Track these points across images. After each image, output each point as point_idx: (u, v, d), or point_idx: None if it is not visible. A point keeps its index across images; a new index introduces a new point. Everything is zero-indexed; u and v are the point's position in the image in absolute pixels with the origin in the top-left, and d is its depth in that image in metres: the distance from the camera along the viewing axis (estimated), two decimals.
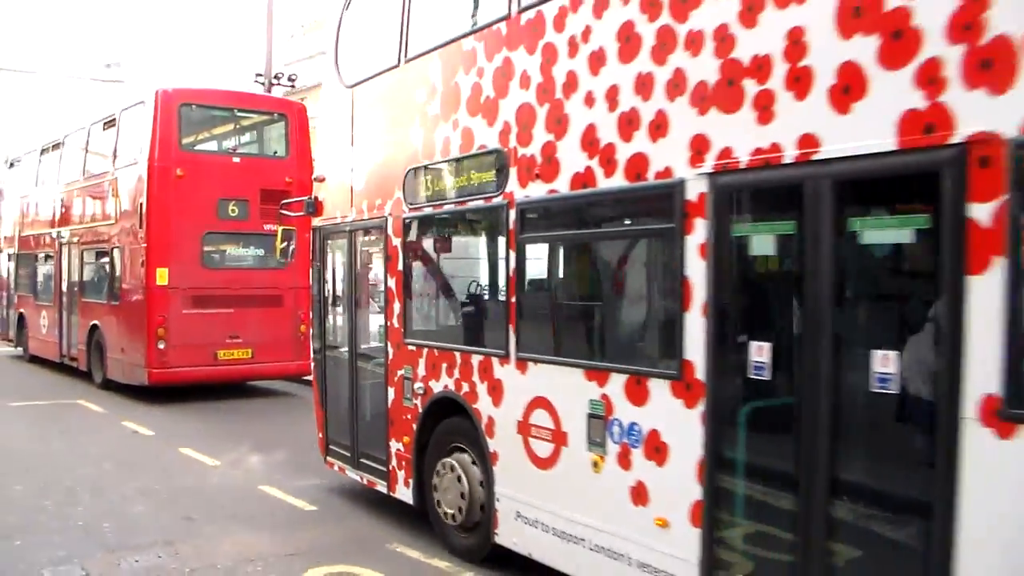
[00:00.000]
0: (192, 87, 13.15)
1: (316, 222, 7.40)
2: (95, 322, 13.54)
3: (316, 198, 7.36)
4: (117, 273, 12.91)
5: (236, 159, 12.77)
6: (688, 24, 4.18)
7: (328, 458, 7.42)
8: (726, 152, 3.94)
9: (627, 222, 4.87)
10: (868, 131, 3.37)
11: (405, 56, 6.26)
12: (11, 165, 18.68)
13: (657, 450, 4.29)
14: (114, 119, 13.42)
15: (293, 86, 18.04)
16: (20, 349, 17.54)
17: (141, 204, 12.18)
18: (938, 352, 3.16)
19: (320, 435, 7.54)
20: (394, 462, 6.43)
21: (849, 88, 3.47)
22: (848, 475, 3.52)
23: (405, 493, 6.34)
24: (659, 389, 4.25)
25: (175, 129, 12.15)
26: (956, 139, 3.13)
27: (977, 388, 3.06)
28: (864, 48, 3.43)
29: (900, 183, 3.40)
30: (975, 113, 3.09)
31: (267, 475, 8.16)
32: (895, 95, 3.30)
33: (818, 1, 3.60)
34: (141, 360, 12.11)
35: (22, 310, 17.38)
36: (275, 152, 13.14)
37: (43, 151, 16.61)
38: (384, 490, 6.59)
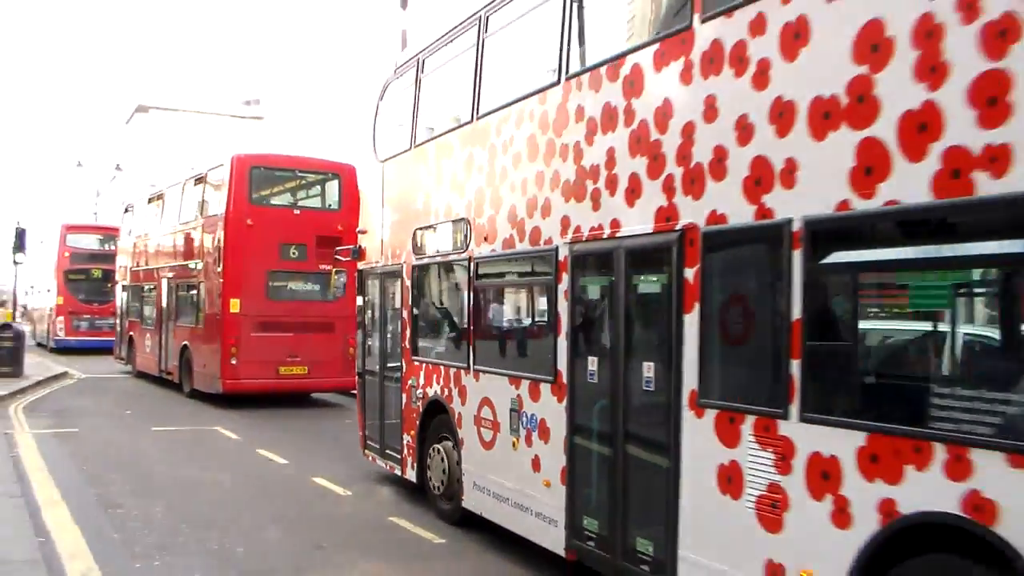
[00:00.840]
0: (263, 153, 16.34)
1: (360, 265, 9.65)
2: (185, 342, 17.00)
3: (360, 246, 9.60)
4: (202, 303, 16.19)
5: (296, 211, 15.85)
6: (561, 139, 6.23)
7: (365, 451, 9.71)
8: (578, 229, 5.97)
9: (531, 274, 6.88)
10: (642, 219, 5.32)
11: (414, 142, 8.49)
12: (126, 210, 22.98)
13: (545, 432, 6.30)
14: (203, 176, 16.79)
15: None
16: (129, 366, 21.55)
17: (219, 247, 15.42)
18: (670, 362, 5.05)
19: (360, 433, 9.83)
20: (405, 451, 8.62)
21: (634, 190, 5.43)
22: (632, 443, 5.43)
23: (411, 474, 8.55)
24: (545, 390, 6.27)
25: (247, 187, 15.24)
26: (678, 227, 5.04)
27: (687, 385, 4.93)
28: (641, 165, 5.36)
29: (655, 253, 5.30)
30: (688, 210, 4.99)
31: (396, 505, 8.50)
32: (654, 196, 5.24)
33: (622, 132, 5.57)
34: (217, 373, 15.20)
35: (131, 333, 21.28)
36: (329, 205, 15.99)
37: (149, 200, 20.52)
38: (399, 472, 8.81)
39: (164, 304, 18.66)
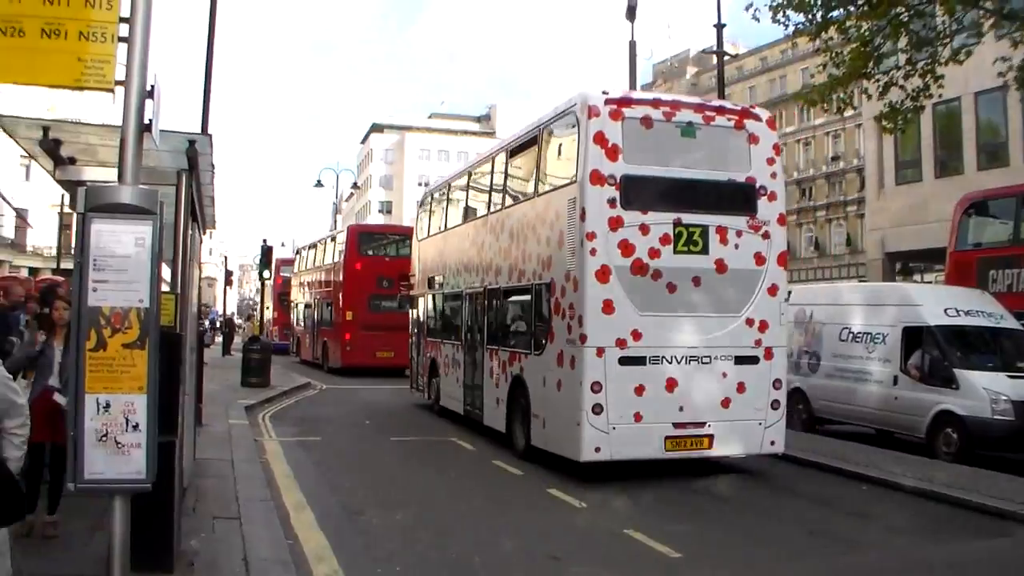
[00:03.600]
0: (369, 223, 29.91)
1: (411, 292, 18.06)
2: (325, 339, 28.81)
3: (411, 283, 18.12)
4: (332, 315, 27.74)
5: (387, 258, 26.20)
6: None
7: (412, 388, 17.80)
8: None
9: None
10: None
11: (426, 235, 17.13)
12: (297, 252, 34.59)
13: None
14: (334, 237, 29.16)
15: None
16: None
17: (340, 280, 26.69)
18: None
19: (410, 383, 18.09)
20: (424, 383, 16.80)
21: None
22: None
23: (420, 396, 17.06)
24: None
25: (356, 246, 26.50)
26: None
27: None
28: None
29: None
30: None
31: (632, 519, 8.44)
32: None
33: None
34: (339, 353, 26.30)
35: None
36: (406, 254, 22.74)
37: (310, 247, 32.86)
38: (415, 391, 17.48)
39: (313, 320, 30.59)
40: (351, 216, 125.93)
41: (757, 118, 10.76)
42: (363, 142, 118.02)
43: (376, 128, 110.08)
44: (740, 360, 10.35)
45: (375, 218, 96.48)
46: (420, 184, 64.79)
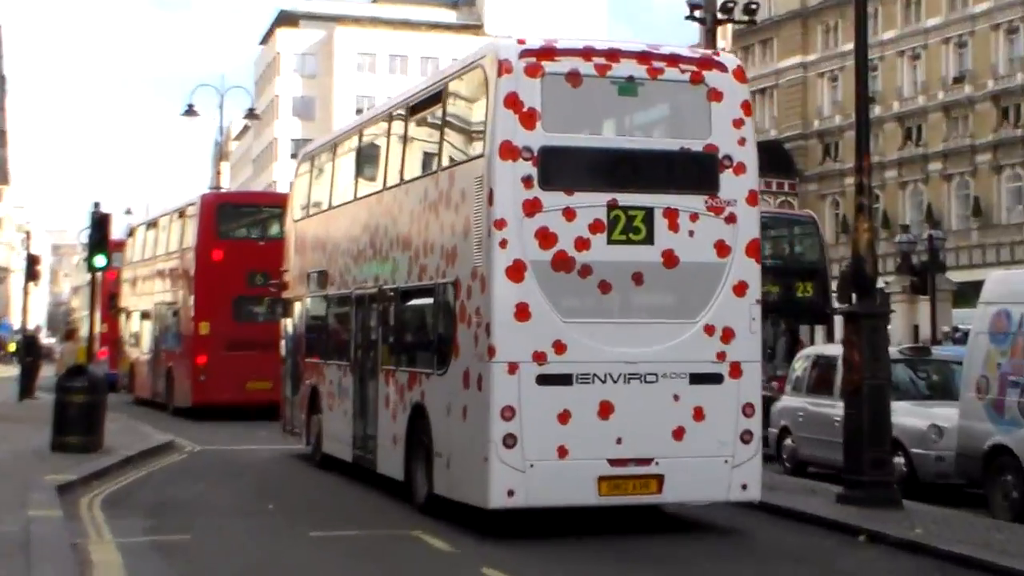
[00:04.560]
0: (234, 191, 36.87)
1: (284, 294, 23.63)
2: (169, 365, 33.25)
3: (284, 281, 23.39)
4: (179, 329, 32.47)
5: (262, 242, 30.40)
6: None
7: (284, 432, 23.33)
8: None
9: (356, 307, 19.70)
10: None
11: (305, 214, 22.69)
12: (130, 234, 39.15)
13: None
14: (182, 211, 33.24)
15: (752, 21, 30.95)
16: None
17: (191, 276, 31.21)
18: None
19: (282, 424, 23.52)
20: (301, 423, 21.94)
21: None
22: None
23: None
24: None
25: (215, 225, 31.03)
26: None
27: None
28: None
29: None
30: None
31: None
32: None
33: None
34: (190, 386, 30.90)
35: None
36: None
37: (148, 225, 38.17)
38: (288, 436, 23.14)
39: (150, 328, 37.02)
40: (245, 165, 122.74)
41: (721, 67, 14.58)
42: (264, 43, 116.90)
43: (286, 19, 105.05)
44: (697, 379, 14.06)
45: (285, 168, 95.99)
46: (361, 110, 65.64)
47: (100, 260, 26.01)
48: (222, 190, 55.15)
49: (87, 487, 17.72)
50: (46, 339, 58.81)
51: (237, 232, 31.27)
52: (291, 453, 22.19)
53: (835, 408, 18.15)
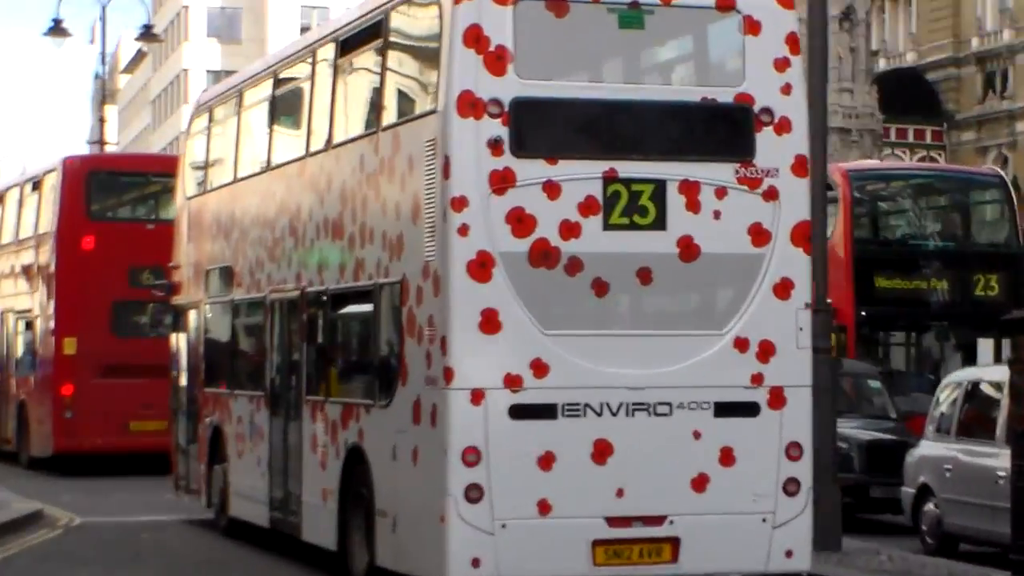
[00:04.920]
0: (109, 153, 28.74)
1: (174, 299, 22.32)
2: (22, 398, 31.57)
3: (174, 280, 22.08)
4: (34, 347, 31.41)
5: (150, 225, 28.97)
6: None
7: (176, 490, 22.65)
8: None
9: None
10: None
11: (201, 190, 21.59)
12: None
13: None
14: (37, 182, 31.58)
15: None
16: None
17: (51, 272, 29.73)
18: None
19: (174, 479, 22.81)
20: (200, 477, 21.93)
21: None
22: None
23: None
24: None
25: (84, 201, 28.74)
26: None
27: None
28: None
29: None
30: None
31: None
32: None
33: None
34: (51, 427, 29.44)
35: None
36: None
37: None
38: (181, 494, 22.46)
39: None
40: (141, 109, 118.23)
41: None
42: None
43: None
44: (724, 410, 13.33)
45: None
46: (307, 28, 63.76)
47: None
48: (107, 149, 52.02)
49: None
50: None
51: (117, 212, 30.32)
52: (186, 520, 21.76)
53: (997, 458, 16.93)
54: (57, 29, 41.03)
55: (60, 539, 21.18)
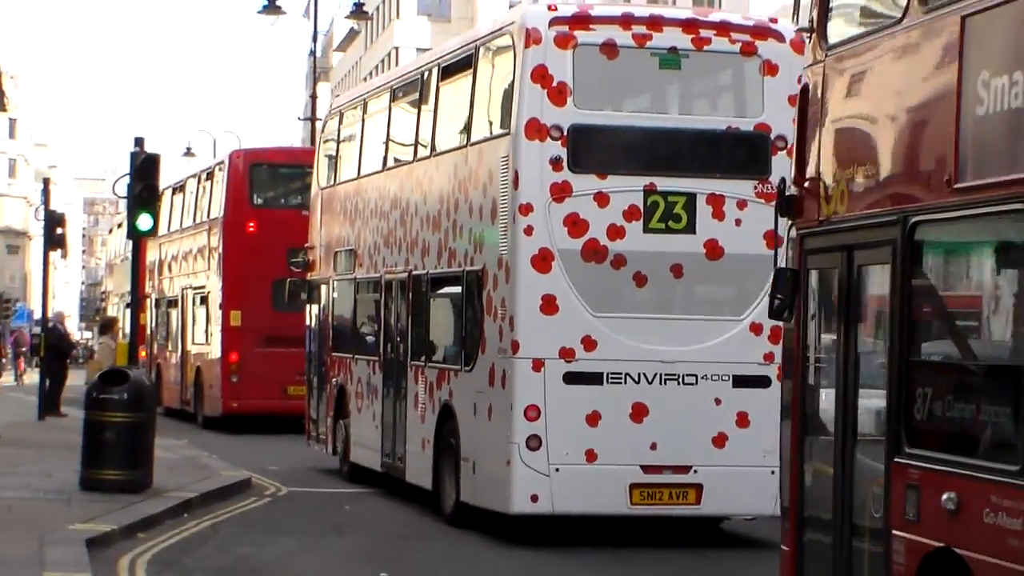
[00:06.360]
0: (270, 147, 35.22)
1: (310, 275, 25.58)
2: (197, 366, 36.02)
3: (310, 259, 25.54)
4: (206, 320, 35.38)
5: (306, 212, 28.25)
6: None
7: (308, 442, 25.90)
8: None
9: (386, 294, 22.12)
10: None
11: (332, 182, 25.20)
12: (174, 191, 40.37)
13: None
14: (210, 173, 36.15)
15: None
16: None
17: (220, 253, 33.69)
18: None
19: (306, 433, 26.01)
20: (327, 429, 24.29)
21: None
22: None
23: None
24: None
25: (247, 190, 33.40)
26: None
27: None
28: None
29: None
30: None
31: None
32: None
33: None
34: (220, 390, 33.50)
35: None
36: None
37: (174, 189, 39.31)
38: (312, 444, 25.54)
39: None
40: (353, 87, 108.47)
41: (777, 37, 16.21)
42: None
43: None
44: (741, 382, 15.85)
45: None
46: (514, 5, 60.62)
47: (145, 221, 20.97)
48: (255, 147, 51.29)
49: (129, 542, 16.17)
50: (77, 334, 54.23)
51: (276, 200, 32.60)
52: (318, 466, 24.23)
53: None
54: (272, 7, 41.33)
55: (267, 507, 20.81)
